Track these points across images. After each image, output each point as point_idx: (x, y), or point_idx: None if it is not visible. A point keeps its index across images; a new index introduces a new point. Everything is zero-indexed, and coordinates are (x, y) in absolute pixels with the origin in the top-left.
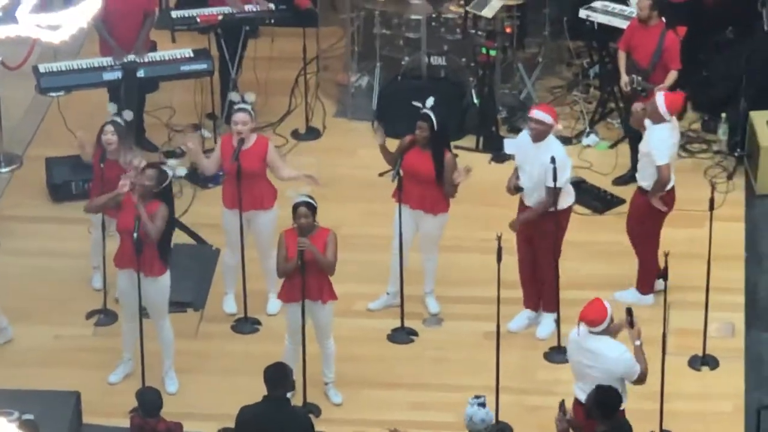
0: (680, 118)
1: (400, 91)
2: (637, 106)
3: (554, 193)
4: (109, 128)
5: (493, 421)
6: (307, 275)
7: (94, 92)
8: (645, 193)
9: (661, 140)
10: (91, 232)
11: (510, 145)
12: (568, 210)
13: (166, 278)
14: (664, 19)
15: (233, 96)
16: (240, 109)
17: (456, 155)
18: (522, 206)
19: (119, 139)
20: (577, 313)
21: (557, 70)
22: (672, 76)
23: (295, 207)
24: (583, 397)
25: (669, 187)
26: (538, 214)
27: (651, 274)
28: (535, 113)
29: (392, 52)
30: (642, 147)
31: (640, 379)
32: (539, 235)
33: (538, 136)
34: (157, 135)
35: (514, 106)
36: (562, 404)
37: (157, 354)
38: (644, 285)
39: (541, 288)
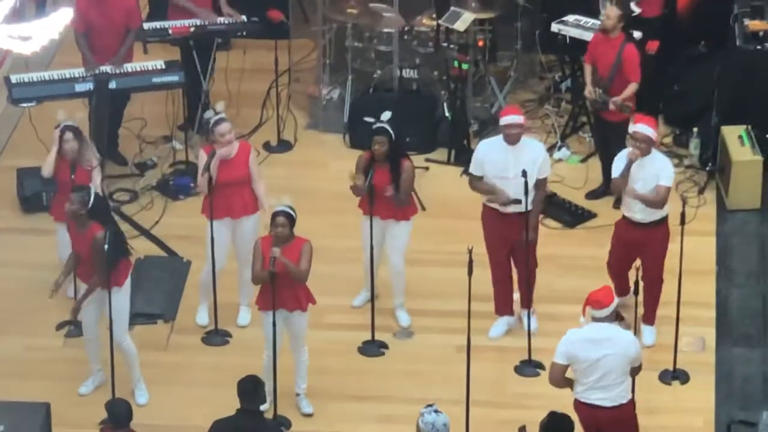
0: None
1: (372, 103)
2: (630, 155)
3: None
4: (69, 135)
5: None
6: (281, 286)
7: (65, 103)
8: (661, 223)
9: (665, 165)
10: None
11: (475, 166)
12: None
13: (128, 285)
14: (630, 32)
15: (208, 113)
16: (219, 121)
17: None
18: (495, 217)
19: (79, 142)
20: (548, 327)
21: (529, 83)
22: (631, 88)
23: (274, 215)
24: (586, 396)
25: (665, 214)
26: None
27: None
28: (509, 118)
29: (364, 64)
30: (646, 182)
31: (641, 366)
32: (517, 243)
33: (516, 138)
34: (129, 146)
35: (485, 119)
36: (522, 429)
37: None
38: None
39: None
